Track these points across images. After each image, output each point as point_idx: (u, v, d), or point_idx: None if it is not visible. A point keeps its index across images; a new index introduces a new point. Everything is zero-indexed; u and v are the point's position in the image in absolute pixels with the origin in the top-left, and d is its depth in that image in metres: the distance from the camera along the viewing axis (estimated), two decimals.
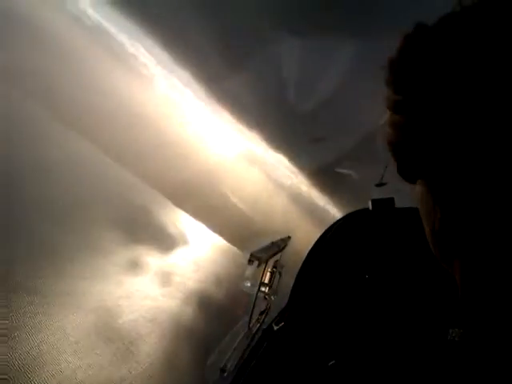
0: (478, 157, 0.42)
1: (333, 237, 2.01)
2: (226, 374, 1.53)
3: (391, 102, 0.53)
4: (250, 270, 1.92)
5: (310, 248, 2.05)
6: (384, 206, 2.02)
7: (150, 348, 2.04)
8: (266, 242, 2.03)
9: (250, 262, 1.81)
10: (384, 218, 1.99)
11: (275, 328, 1.51)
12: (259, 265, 1.85)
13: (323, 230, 2.19)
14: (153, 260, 2.11)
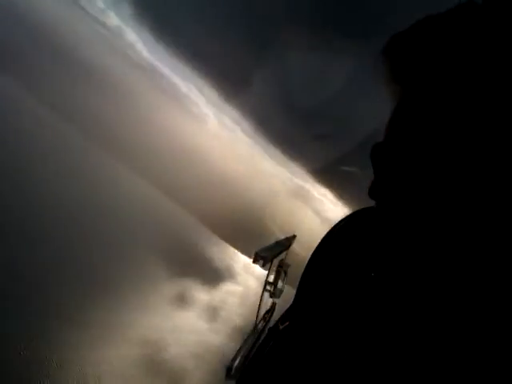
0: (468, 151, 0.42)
1: (338, 235, 2.00)
2: (232, 373, 1.54)
3: (394, 100, 0.53)
4: (255, 269, 1.93)
5: (315, 246, 2.05)
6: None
7: None
8: (271, 241, 2.04)
9: (256, 261, 1.81)
10: (388, 215, 1.98)
11: (281, 327, 1.50)
12: (264, 264, 1.85)
13: (328, 229, 2.18)
14: (200, 294, 2.09)
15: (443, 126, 0.42)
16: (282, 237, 2.20)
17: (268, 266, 1.93)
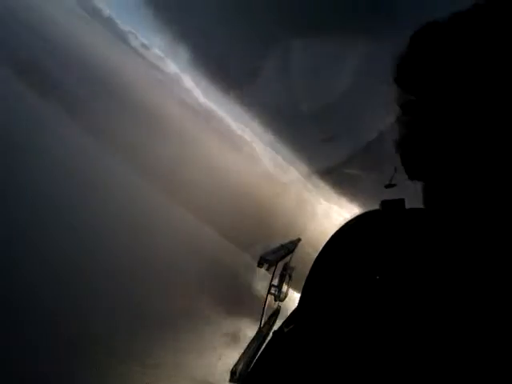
0: (477, 154, 0.42)
1: (343, 238, 1.99)
2: (236, 377, 1.53)
3: (401, 101, 0.53)
4: (260, 273, 1.92)
5: (319, 249, 2.04)
6: (394, 207, 2.00)
7: None
8: (276, 244, 2.03)
9: (260, 264, 1.81)
10: (394, 218, 1.97)
11: (285, 330, 1.50)
12: (269, 267, 1.84)
13: (332, 232, 2.18)
14: (253, 333, 2.08)
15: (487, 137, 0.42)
16: (287, 240, 2.20)
17: (273, 269, 1.93)
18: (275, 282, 1.94)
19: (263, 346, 1.66)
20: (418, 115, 0.52)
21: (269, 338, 1.74)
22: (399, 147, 0.56)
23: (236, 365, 1.59)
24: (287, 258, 2.07)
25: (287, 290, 1.98)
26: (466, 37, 0.45)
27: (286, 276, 2.00)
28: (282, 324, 1.85)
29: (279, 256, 1.90)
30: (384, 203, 2.09)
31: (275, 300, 1.92)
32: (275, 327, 1.83)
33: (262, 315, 1.77)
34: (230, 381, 1.57)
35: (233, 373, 1.56)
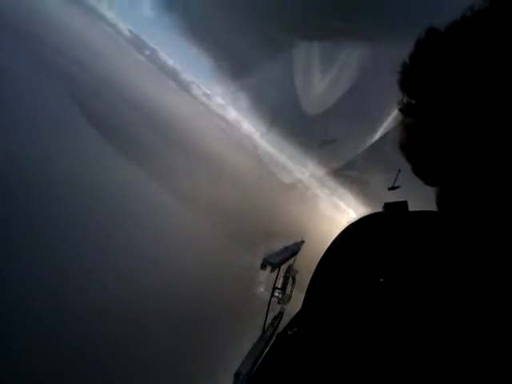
0: (485, 157, 0.42)
1: (346, 240, 1.99)
2: (240, 379, 1.53)
3: (404, 105, 0.53)
4: (263, 275, 1.92)
5: (323, 252, 2.03)
6: (397, 209, 2.00)
7: None
8: (280, 246, 2.03)
9: (263, 267, 1.81)
10: (397, 221, 1.97)
11: (289, 333, 1.50)
12: (272, 270, 1.84)
13: (336, 234, 2.17)
14: (257, 336, 2.07)
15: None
16: (291, 242, 2.20)
17: (276, 271, 1.93)
18: (279, 284, 1.94)
19: (267, 349, 1.66)
20: (423, 118, 0.52)
21: (272, 340, 1.74)
22: (404, 151, 0.57)
23: (240, 367, 1.59)
24: (291, 260, 2.07)
25: (291, 293, 1.98)
26: (468, 42, 0.44)
27: (289, 278, 2.00)
28: (286, 327, 1.84)
29: (283, 258, 1.90)
30: (387, 205, 2.09)
31: (279, 303, 1.92)
32: (279, 330, 1.83)
33: (266, 318, 1.77)
34: (234, 383, 1.57)
35: (236, 375, 1.56)
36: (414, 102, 0.52)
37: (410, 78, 0.51)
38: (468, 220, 0.49)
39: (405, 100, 0.53)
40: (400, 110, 0.54)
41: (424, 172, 0.56)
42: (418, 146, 0.53)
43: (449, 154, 0.46)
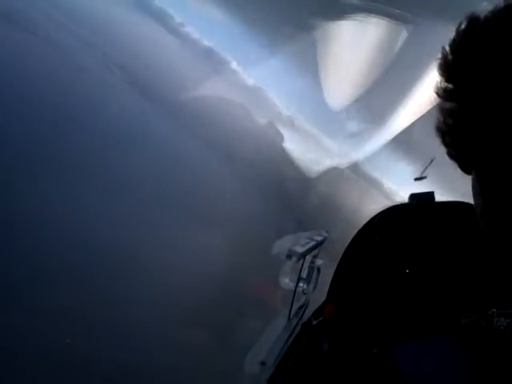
0: None
1: (371, 231, 1.97)
2: (266, 367, 1.55)
3: (443, 89, 0.54)
4: (288, 266, 1.94)
5: (348, 242, 2.03)
6: (424, 199, 1.96)
7: None
8: (304, 236, 2.04)
9: (289, 257, 1.82)
10: (424, 212, 1.94)
11: (314, 322, 1.51)
12: (297, 260, 1.85)
13: (361, 224, 2.15)
14: (282, 325, 2.07)
15: None
16: (315, 232, 2.20)
17: (301, 262, 1.93)
18: (304, 274, 1.95)
19: (292, 338, 1.68)
20: (461, 103, 0.52)
21: (297, 330, 1.76)
22: (441, 135, 0.57)
23: (266, 356, 1.62)
24: (315, 251, 2.07)
25: (316, 283, 1.99)
26: (510, 29, 0.44)
27: (314, 269, 2.00)
28: (311, 316, 1.86)
29: (308, 249, 1.91)
30: (413, 196, 2.05)
31: (304, 293, 1.93)
32: (304, 320, 1.84)
33: (291, 308, 1.78)
34: (260, 372, 1.60)
35: (263, 363, 1.59)
36: (452, 86, 0.52)
37: (452, 65, 0.52)
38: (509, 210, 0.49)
39: (442, 85, 0.54)
40: (437, 93, 0.54)
41: (461, 156, 0.56)
42: (457, 129, 0.53)
43: (488, 138, 0.46)
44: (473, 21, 0.49)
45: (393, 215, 2.04)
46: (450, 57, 0.53)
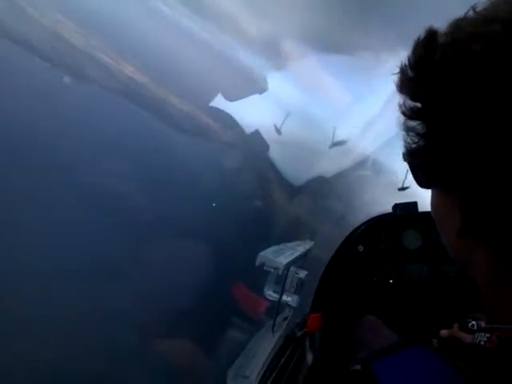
0: (499, 160, 0.41)
1: (355, 242, 1.98)
2: (249, 380, 1.53)
3: (407, 108, 0.52)
4: (272, 277, 1.92)
5: (332, 253, 2.03)
6: (407, 210, 1.99)
7: None
8: (289, 247, 2.03)
9: (272, 268, 1.80)
10: (407, 222, 1.96)
11: (298, 334, 1.50)
12: (282, 271, 1.84)
13: (345, 235, 2.16)
14: (265, 337, 2.03)
15: None
16: (299, 243, 2.19)
17: (285, 272, 1.92)
18: (288, 285, 1.94)
19: (275, 350, 1.66)
20: (426, 122, 0.51)
21: (281, 342, 1.74)
22: (407, 155, 0.55)
23: (249, 370, 1.59)
24: (300, 262, 2.07)
25: (300, 294, 1.97)
26: (472, 42, 0.44)
27: (298, 280, 1.99)
28: (295, 328, 1.84)
29: (292, 260, 1.90)
30: (396, 206, 2.08)
31: (288, 304, 1.92)
32: (288, 331, 1.82)
33: (275, 319, 1.76)
34: None
35: (245, 377, 1.56)
36: (419, 105, 0.51)
37: (415, 81, 0.51)
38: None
39: (407, 103, 0.52)
40: (403, 113, 0.53)
41: (424, 174, 0.55)
42: (423, 148, 0.52)
43: (457, 155, 0.46)
44: (432, 34, 0.49)
45: (376, 226, 2.06)
46: (410, 73, 0.51)
